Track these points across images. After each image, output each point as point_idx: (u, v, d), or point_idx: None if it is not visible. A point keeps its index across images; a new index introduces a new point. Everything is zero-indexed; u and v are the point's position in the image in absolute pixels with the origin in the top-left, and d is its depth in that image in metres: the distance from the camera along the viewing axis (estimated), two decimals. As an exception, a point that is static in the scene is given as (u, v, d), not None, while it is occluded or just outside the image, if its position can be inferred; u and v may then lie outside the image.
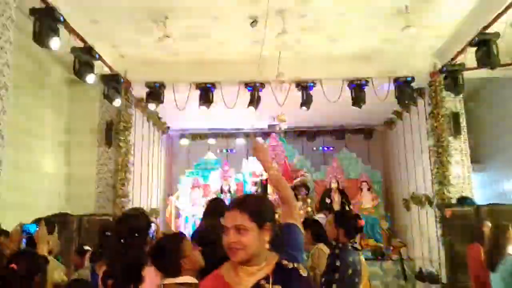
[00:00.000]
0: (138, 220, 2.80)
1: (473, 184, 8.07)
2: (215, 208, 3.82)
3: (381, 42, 7.53)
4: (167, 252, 2.64)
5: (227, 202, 4.71)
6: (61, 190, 7.78)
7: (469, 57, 6.85)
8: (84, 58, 6.50)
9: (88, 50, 6.53)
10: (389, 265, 9.29)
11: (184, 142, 12.36)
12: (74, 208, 7.20)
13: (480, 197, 8.43)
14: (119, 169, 7.89)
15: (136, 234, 2.61)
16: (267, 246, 1.85)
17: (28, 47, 5.69)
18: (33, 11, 5.23)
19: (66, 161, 8.04)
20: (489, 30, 6.30)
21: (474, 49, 6.57)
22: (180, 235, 2.92)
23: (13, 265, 2.50)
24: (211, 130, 12.13)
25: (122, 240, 2.57)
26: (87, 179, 7.98)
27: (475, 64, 6.70)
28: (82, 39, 6.41)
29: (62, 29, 5.73)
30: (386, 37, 7.35)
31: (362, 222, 4.31)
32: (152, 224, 2.96)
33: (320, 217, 10.29)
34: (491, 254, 4.17)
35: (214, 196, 10.64)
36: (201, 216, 10.21)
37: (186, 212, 10.84)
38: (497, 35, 6.21)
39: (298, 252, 2.03)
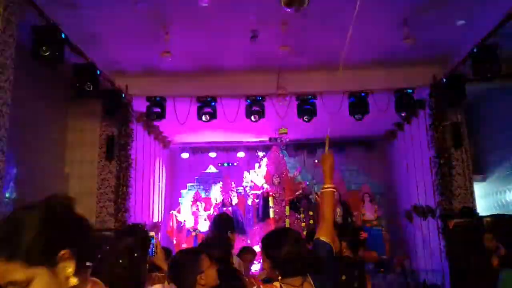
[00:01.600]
0: (136, 238, 2.74)
1: (475, 195, 8.05)
2: (222, 223, 3.82)
3: (381, 54, 7.56)
4: (184, 267, 2.63)
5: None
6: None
7: (469, 68, 6.87)
8: (85, 74, 6.53)
9: (89, 66, 6.57)
10: (392, 277, 9.22)
11: (185, 155, 12.36)
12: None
13: (482, 208, 8.40)
14: (121, 184, 7.88)
15: (135, 254, 2.55)
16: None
17: (30, 63, 5.71)
18: (34, 29, 5.26)
19: (67, 175, 8.03)
20: (489, 41, 6.34)
21: (474, 60, 6.60)
22: (197, 250, 2.90)
23: None
24: (212, 143, 12.13)
25: (120, 261, 2.51)
26: (88, 193, 7.96)
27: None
28: (83, 55, 6.44)
29: (63, 46, 5.76)
30: (386, 49, 7.38)
31: (365, 234, 4.30)
32: (152, 240, 2.92)
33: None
34: None
35: (216, 210, 10.64)
36: (202, 230, 10.22)
37: (188, 226, 10.80)
38: (496, 46, 6.24)
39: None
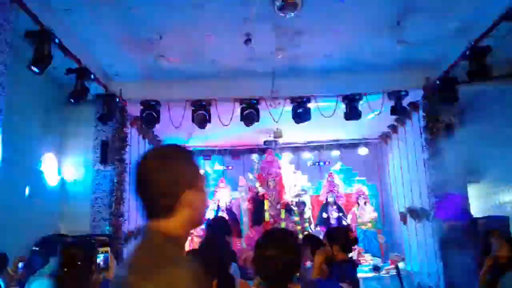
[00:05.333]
0: (80, 250, 2.78)
1: (469, 196, 8.08)
2: (219, 226, 3.81)
3: (374, 56, 7.59)
4: None
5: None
6: (56, 210, 7.73)
7: (462, 70, 6.91)
8: (78, 78, 6.51)
9: (83, 71, 6.55)
10: (386, 280, 9.24)
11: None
12: (69, 227, 7.15)
13: (476, 209, 8.43)
14: (115, 188, 7.85)
15: (79, 262, 2.63)
16: None
17: (23, 68, 5.69)
18: (28, 34, 5.25)
19: (61, 180, 8.00)
20: (481, 43, 6.37)
21: (467, 61, 6.64)
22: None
23: None
24: (207, 147, 12.12)
25: (65, 269, 2.60)
26: (82, 198, 7.93)
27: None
28: (77, 60, 6.43)
29: (57, 50, 5.75)
30: (379, 51, 7.41)
31: (354, 233, 4.32)
32: (105, 255, 2.99)
33: (318, 231, 10.31)
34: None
35: (211, 213, 10.64)
36: (196, 233, 10.18)
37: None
38: (489, 48, 6.28)
39: None
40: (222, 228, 3.73)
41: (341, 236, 4.02)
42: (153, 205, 1.46)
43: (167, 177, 1.45)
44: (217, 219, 4.74)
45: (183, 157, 1.53)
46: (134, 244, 1.44)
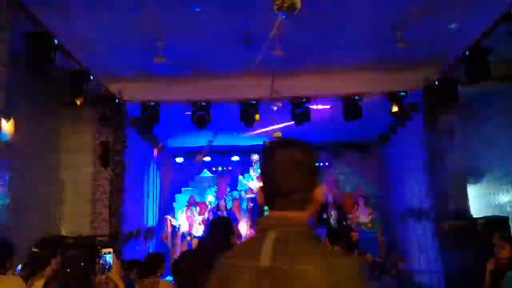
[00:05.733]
0: (83, 249, 2.83)
1: (469, 197, 8.09)
2: (223, 227, 3.75)
3: (374, 57, 7.58)
4: None
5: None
6: (57, 211, 7.73)
7: (463, 71, 6.92)
8: (78, 80, 6.52)
9: (83, 73, 6.55)
10: (387, 280, 9.24)
11: (180, 160, 12.35)
12: (69, 228, 7.16)
13: (476, 209, 8.43)
14: (115, 189, 7.86)
15: (82, 263, 2.67)
16: None
17: (23, 69, 5.69)
18: (28, 35, 5.25)
19: (61, 181, 8.00)
20: (481, 44, 6.38)
21: (466, 63, 6.64)
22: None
23: None
24: (206, 147, 12.12)
25: (67, 270, 2.63)
26: (82, 200, 7.94)
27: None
28: (77, 62, 6.43)
29: (56, 52, 5.75)
30: (379, 52, 7.40)
31: (356, 234, 4.32)
32: (108, 256, 3.02)
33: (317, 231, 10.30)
34: None
35: (211, 214, 10.64)
36: (197, 234, 10.19)
37: (183, 231, 10.79)
38: (488, 49, 6.29)
39: None
40: (226, 228, 3.68)
41: (343, 237, 4.02)
42: (294, 197, 1.49)
43: (313, 171, 1.53)
44: (221, 218, 4.71)
45: (315, 152, 1.59)
46: (264, 235, 1.45)
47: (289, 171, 1.49)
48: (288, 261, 1.36)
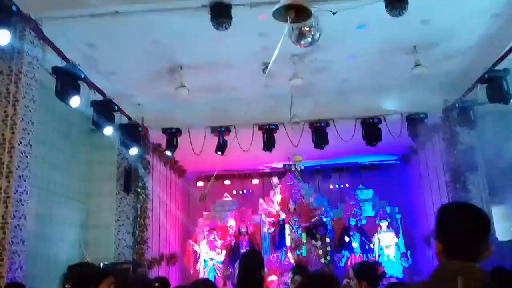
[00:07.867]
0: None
1: (493, 218, 7.95)
2: (256, 259, 3.75)
3: (392, 80, 7.61)
4: None
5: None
6: (81, 238, 7.84)
7: (481, 92, 6.90)
8: (103, 110, 6.70)
9: (107, 103, 6.75)
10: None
11: (201, 184, 12.42)
12: (93, 256, 7.25)
13: (501, 232, 8.28)
14: (138, 216, 7.95)
15: None
16: None
17: (51, 102, 5.90)
18: (55, 70, 5.45)
19: (86, 209, 8.14)
20: (499, 66, 6.39)
21: (485, 85, 6.64)
22: None
23: None
24: (227, 171, 12.18)
25: None
26: (106, 226, 8.05)
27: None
28: (101, 92, 6.63)
29: (82, 84, 5.95)
30: (397, 76, 7.42)
31: (382, 268, 4.26)
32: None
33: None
34: None
35: (232, 238, 10.64)
36: (218, 259, 10.16)
37: (204, 256, 10.78)
38: (506, 71, 6.29)
39: None
40: (257, 262, 3.69)
41: (369, 272, 3.98)
42: (475, 249, 1.69)
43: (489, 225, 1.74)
44: (252, 252, 4.70)
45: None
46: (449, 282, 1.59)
47: (478, 226, 1.75)
48: None
